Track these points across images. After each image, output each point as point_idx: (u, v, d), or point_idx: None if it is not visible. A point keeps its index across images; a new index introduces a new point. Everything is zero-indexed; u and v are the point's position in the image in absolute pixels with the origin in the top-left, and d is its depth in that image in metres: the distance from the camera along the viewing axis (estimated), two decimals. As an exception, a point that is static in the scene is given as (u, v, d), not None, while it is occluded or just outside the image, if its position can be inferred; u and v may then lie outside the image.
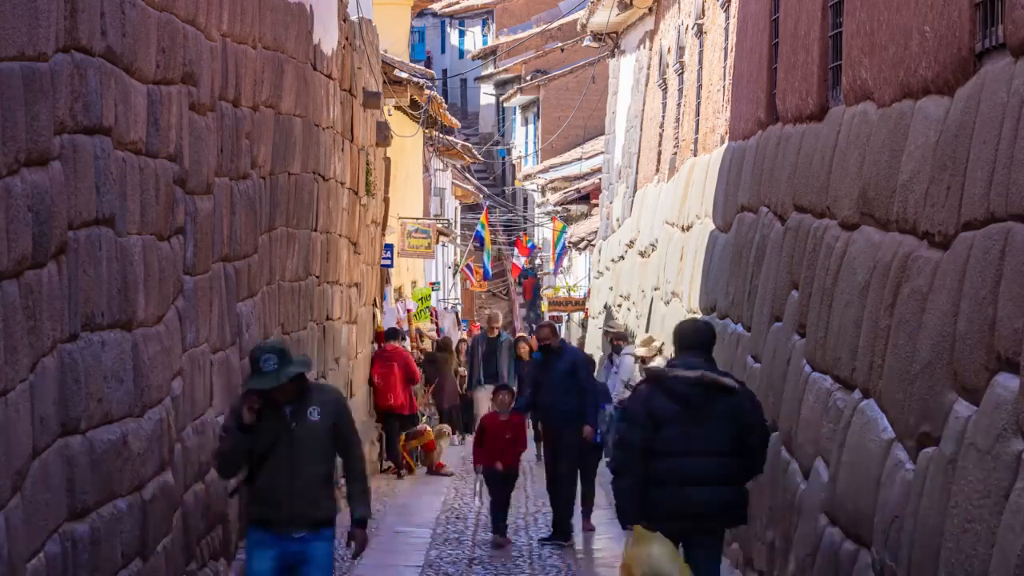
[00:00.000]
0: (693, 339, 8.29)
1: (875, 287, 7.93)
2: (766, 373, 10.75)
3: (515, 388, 16.20)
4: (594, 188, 35.26)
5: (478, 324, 40.14)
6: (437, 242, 30.42)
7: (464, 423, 23.23)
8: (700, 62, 17.29)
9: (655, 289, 18.95)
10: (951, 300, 6.59)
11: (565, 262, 39.44)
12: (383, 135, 19.92)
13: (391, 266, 23.25)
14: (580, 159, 41.74)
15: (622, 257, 23.82)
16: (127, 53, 7.12)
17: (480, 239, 37.33)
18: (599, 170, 32.84)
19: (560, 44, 47.98)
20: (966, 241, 6.51)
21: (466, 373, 23.65)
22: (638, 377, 17.58)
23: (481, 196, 45.80)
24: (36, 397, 5.76)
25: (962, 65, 6.95)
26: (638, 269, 21.29)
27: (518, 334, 26.05)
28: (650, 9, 22.39)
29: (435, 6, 61.70)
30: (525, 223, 48.51)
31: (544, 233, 44.49)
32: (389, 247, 22.55)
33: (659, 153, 20.74)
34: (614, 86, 27.58)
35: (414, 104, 25.95)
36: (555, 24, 50.90)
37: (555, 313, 35.71)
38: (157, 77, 7.75)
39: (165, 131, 7.92)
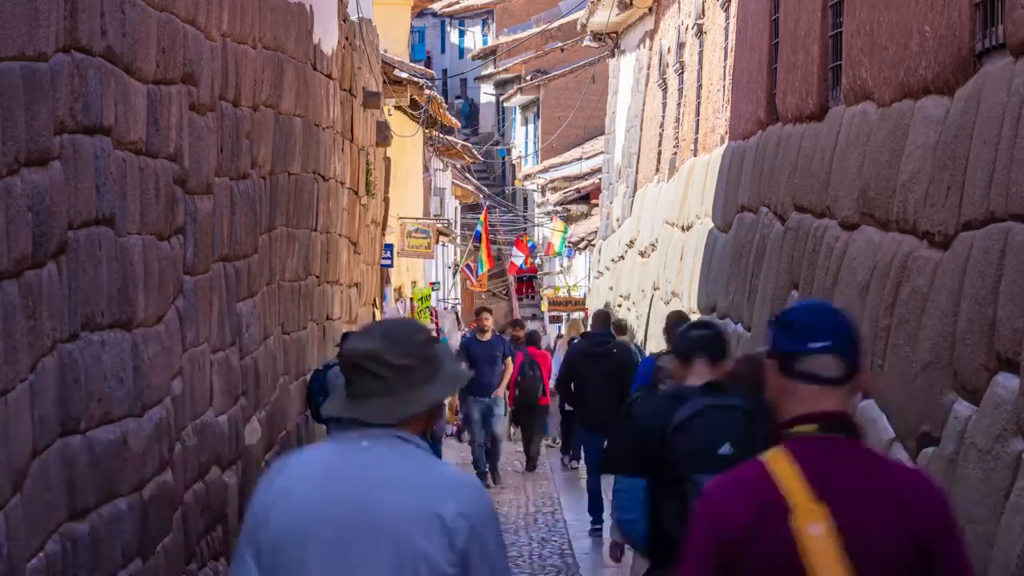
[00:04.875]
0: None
1: (875, 287, 7.93)
2: (766, 373, 10.75)
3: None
4: (594, 188, 35.27)
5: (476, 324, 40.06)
6: (437, 242, 30.43)
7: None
8: (700, 62, 17.29)
9: (655, 289, 18.96)
10: (951, 300, 6.59)
11: (564, 262, 39.51)
12: (383, 135, 19.92)
13: (391, 266, 23.26)
14: (580, 159, 41.75)
15: (622, 257, 23.82)
16: (127, 53, 7.12)
17: (479, 239, 37.36)
18: (599, 170, 32.84)
19: (560, 44, 47.99)
20: (966, 241, 6.51)
21: None
22: None
23: (481, 196, 45.81)
24: (36, 397, 5.75)
25: (962, 65, 6.95)
26: (638, 269, 21.29)
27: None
28: (650, 9, 22.38)
29: (435, 6, 61.69)
30: (525, 223, 48.52)
31: (544, 233, 44.50)
32: (389, 247, 22.55)
33: (659, 153, 20.74)
34: (614, 86, 27.58)
35: (414, 104, 25.96)
36: (555, 24, 50.90)
37: (555, 313, 35.75)
38: (157, 77, 7.75)
39: (165, 131, 7.91)
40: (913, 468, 3.58)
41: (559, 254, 38.98)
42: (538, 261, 45.88)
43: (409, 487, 3.35)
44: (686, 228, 16.81)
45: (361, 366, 3.46)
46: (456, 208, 42.49)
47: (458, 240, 42.01)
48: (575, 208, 39.63)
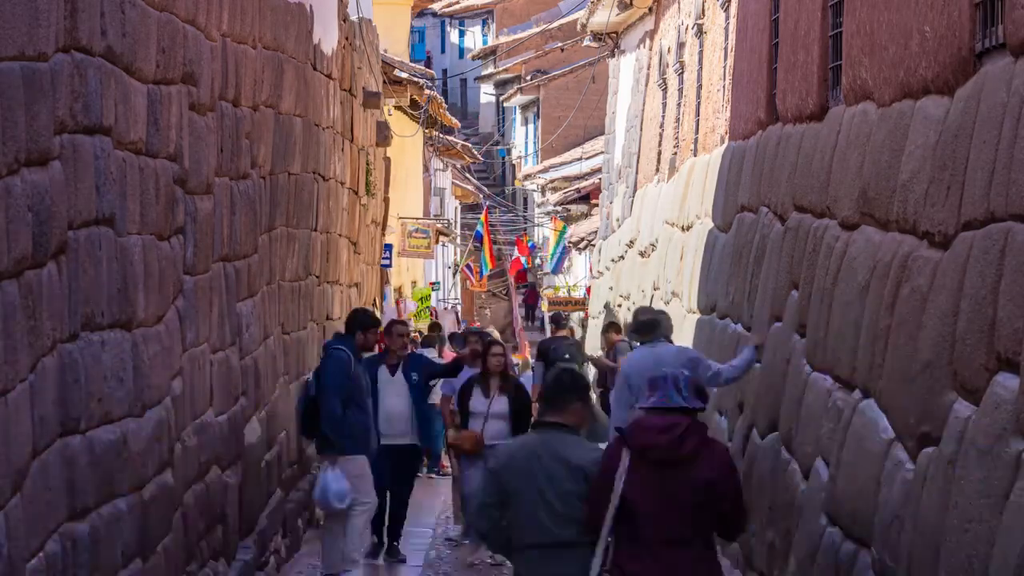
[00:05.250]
0: None
1: (875, 287, 7.93)
2: (766, 373, 10.75)
3: None
4: (594, 188, 35.27)
5: (477, 324, 39.98)
6: (437, 242, 30.44)
7: None
8: (700, 62, 17.29)
9: (655, 289, 18.95)
10: (951, 300, 6.59)
11: (565, 263, 39.43)
12: (383, 135, 19.93)
13: (390, 266, 23.27)
14: (580, 159, 41.76)
15: (622, 257, 23.81)
16: (127, 53, 7.12)
17: (480, 239, 37.40)
18: (599, 170, 32.84)
19: (560, 44, 48.01)
20: (966, 241, 6.51)
21: None
22: None
23: (481, 196, 45.82)
24: (36, 397, 5.75)
25: (962, 65, 6.95)
26: (638, 269, 21.29)
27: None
28: (650, 9, 22.38)
29: (435, 6, 61.70)
30: (525, 223, 48.52)
31: (544, 233, 44.50)
32: (389, 247, 22.57)
33: (659, 153, 20.74)
34: (614, 86, 27.57)
35: (414, 104, 25.96)
36: (555, 24, 50.91)
37: (555, 313, 35.71)
38: (157, 77, 7.75)
39: (165, 131, 7.91)
40: None
41: (553, 266, 38.79)
42: (537, 261, 45.90)
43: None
44: (686, 228, 16.81)
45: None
46: (456, 208, 42.50)
47: (458, 240, 42.02)
48: (575, 208, 39.63)
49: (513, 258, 40.96)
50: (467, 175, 46.67)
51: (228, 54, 9.70)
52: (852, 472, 7.95)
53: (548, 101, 48.28)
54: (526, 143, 52.75)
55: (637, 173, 23.29)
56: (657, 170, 20.77)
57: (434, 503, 16.06)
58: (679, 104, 19.07)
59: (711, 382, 10.30)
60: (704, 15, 17.10)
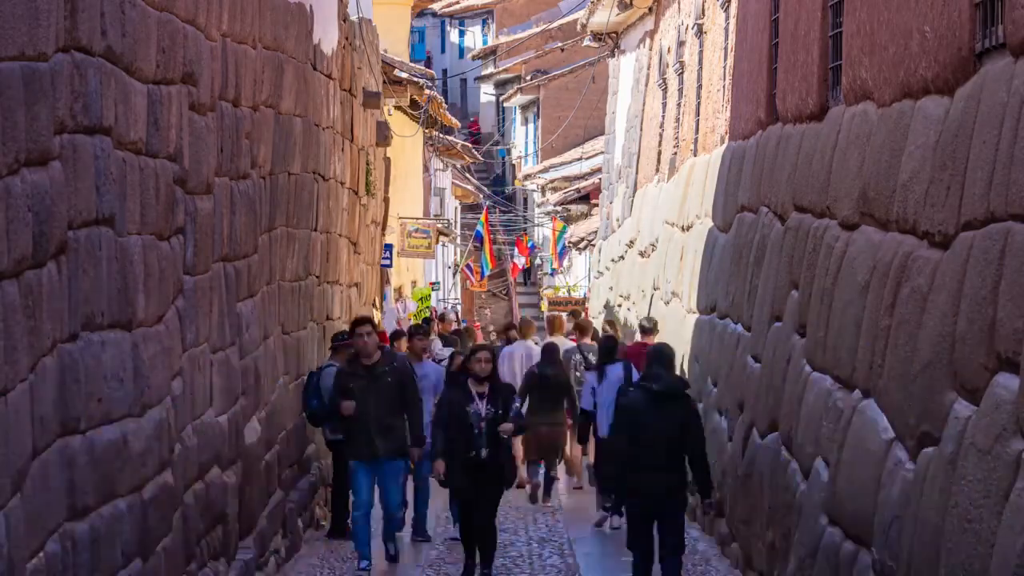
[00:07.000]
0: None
1: (875, 287, 7.93)
2: (766, 373, 10.74)
3: None
4: (594, 188, 35.24)
5: (479, 324, 40.04)
6: (437, 242, 30.44)
7: None
8: (700, 62, 17.28)
9: (655, 289, 18.95)
10: (951, 300, 6.59)
11: (565, 263, 39.39)
12: (383, 135, 19.93)
13: (390, 266, 23.27)
14: (580, 159, 41.72)
15: (622, 257, 23.81)
16: (127, 53, 7.12)
17: (480, 239, 37.38)
18: (599, 170, 32.82)
19: (560, 44, 47.95)
20: (966, 241, 6.51)
21: None
22: None
23: (481, 196, 45.81)
24: (36, 397, 5.76)
25: (962, 65, 6.95)
26: (638, 269, 21.29)
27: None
28: (650, 9, 22.38)
29: (435, 6, 61.63)
30: (525, 223, 48.50)
31: (544, 233, 44.48)
32: (389, 247, 22.56)
33: (659, 153, 20.73)
34: (614, 86, 27.57)
35: (414, 104, 25.97)
36: (555, 24, 50.86)
37: (555, 313, 35.68)
38: (157, 77, 7.75)
39: (165, 131, 7.91)
40: None
41: (558, 257, 38.81)
42: (537, 261, 45.88)
43: None
44: (686, 228, 16.81)
45: None
46: (456, 208, 42.48)
47: (458, 240, 42.00)
48: (575, 208, 39.59)
49: (513, 261, 40.89)
50: (467, 175, 46.68)
51: (228, 54, 9.70)
52: (852, 472, 7.95)
53: (548, 101, 48.24)
54: (526, 143, 52.74)
55: (637, 173, 23.29)
56: (657, 170, 20.77)
57: (435, 502, 16.05)
58: (679, 104, 19.07)
59: None
60: (704, 15, 17.09)
